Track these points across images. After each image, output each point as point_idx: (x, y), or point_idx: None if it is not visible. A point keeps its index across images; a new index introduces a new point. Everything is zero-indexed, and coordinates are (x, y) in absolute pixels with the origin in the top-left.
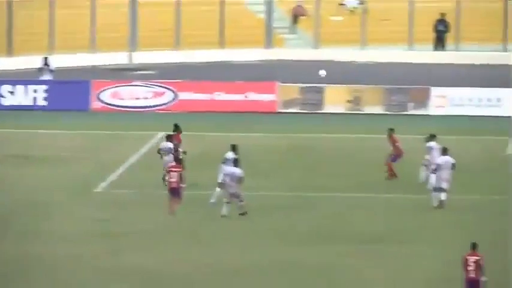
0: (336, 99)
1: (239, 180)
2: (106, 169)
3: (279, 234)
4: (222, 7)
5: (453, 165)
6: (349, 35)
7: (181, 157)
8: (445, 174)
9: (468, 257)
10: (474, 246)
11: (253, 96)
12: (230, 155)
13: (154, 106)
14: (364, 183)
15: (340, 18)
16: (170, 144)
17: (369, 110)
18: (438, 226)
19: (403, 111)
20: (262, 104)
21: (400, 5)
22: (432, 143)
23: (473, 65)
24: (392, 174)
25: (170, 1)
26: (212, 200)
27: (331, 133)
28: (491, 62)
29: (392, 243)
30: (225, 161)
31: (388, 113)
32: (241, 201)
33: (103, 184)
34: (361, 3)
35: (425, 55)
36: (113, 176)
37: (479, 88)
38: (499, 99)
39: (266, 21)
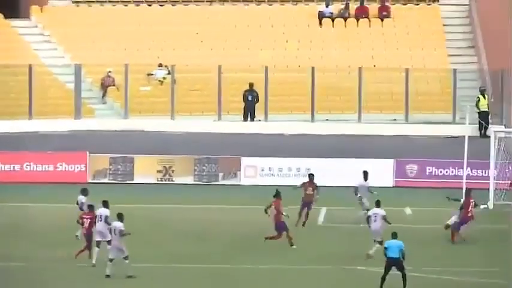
0: (146, 170)
1: (121, 233)
2: None
3: None
4: (30, 77)
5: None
6: (158, 104)
7: None
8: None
9: None
10: None
11: (63, 166)
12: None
13: None
14: (175, 253)
15: (148, 88)
16: None
17: (179, 180)
18: None
19: (214, 181)
20: (73, 175)
21: (209, 75)
22: None
23: (282, 135)
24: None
25: None
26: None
27: (142, 203)
28: (298, 132)
29: None
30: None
31: (199, 183)
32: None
33: None
34: (169, 73)
35: (235, 125)
36: None
37: (288, 158)
38: (308, 169)
39: (75, 92)
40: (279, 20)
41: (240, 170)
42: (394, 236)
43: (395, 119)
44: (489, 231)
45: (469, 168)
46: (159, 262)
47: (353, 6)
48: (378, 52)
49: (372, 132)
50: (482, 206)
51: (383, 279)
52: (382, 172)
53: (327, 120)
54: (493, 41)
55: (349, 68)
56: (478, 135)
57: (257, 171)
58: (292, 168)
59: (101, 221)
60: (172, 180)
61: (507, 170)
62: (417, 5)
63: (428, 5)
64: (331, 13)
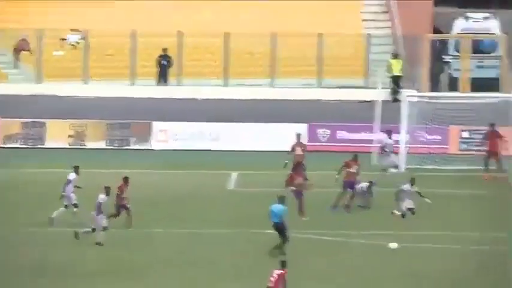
0: (57, 134)
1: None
2: None
3: None
4: None
5: None
6: (71, 69)
7: None
8: None
9: None
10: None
11: None
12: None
13: None
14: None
15: (61, 53)
16: None
17: (91, 144)
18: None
19: (126, 145)
20: None
21: (123, 40)
22: None
23: (195, 100)
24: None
25: None
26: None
27: (53, 168)
28: (211, 97)
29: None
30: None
31: (111, 147)
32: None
33: None
34: (83, 38)
35: (148, 90)
36: None
37: (200, 122)
38: (219, 133)
39: None
40: None
41: (151, 135)
42: (281, 200)
43: (308, 84)
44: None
45: (380, 133)
46: (73, 227)
47: None
48: (291, 17)
49: (285, 96)
50: (393, 170)
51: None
52: (294, 136)
53: (240, 85)
54: (407, 6)
55: (263, 33)
56: (390, 99)
57: (168, 135)
58: (204, 132)
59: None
60: (84, 145)
61: (417, 135)
62: None
63: None
64: None
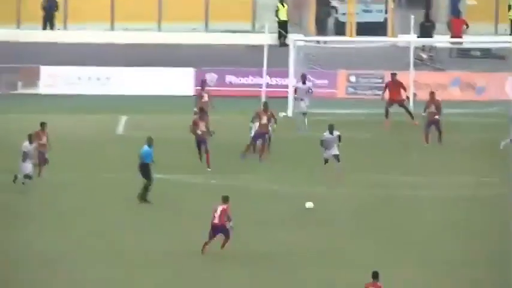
0: None
1: None
2: None
3: None
4: None
5: None
6: None
7: None
8: None
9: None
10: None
11: None
12: None
13: None
14: None
15: None
16: None
17: None
18: None
19: (13, 90)
20: None
21: None
22: None
23: (83, 44)
24: None
25: None
26: None
27: None
28: (98, 41)
29: None
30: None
31: None
32: None
33: None
34: None
35: (35, 34)
36: None
37: (88, 67)
38: (108, 78)
39: None
40: None
41: (39, 79)
42: (149, 141)
43: (195, 28)
44: (286, 140)
45: (268, 77)
46: None
47: None
48: None
49: (172, 41)
50: (281, 114)
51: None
52: (182, 81)
53: (127, 29)
54: None
55: None
56: (278, 44)
57: (57, 80)
58: (92, 77)
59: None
60: None
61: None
62: None
63: None
64: None
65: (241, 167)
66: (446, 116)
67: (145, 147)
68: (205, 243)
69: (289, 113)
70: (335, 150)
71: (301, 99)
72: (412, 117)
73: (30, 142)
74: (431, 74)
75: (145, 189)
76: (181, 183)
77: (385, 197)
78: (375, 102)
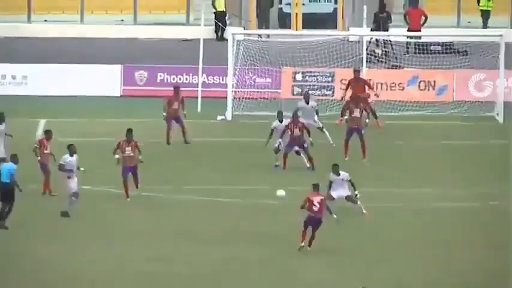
0: None
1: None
2: None
3: None
4: None
5: None
6: None
7: None
8: None
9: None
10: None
11: None
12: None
13: None
14: None
15: None
16: None
17: None
18: None
19: None
20: None
21: None
22: None
23: None
24: None
25: None
26: None
27: None
28: (13, 35)
29: None
30: None
31: None
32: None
33: None
34: None
35: None
36: None
37: (2, 64)
38: (24, 77)
39: None
40: None
41: None
42: (13, 158)
43: (122, 20)
44: (225, 144)
45: (204, 75)
46: None
47: None
48: None
49: (96, 34)
50: (219, 117)
51: None
52: (108, 80)
53: (46, 21)
54: None
55: None
56: (215, 37)
57: None
58: (6, 76)
59: None
60: None
61: (247, 77)
62: None
63: None
64: None
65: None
66: (403, 118)
67: (9, 164)
68: (304, 234)
69: (228, 115)
70: None
71: (314, 121)
72: (376, 117)
73: (72, 154)
74: (386, 72)
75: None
76: (109, 195)
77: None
78: (325, 104)
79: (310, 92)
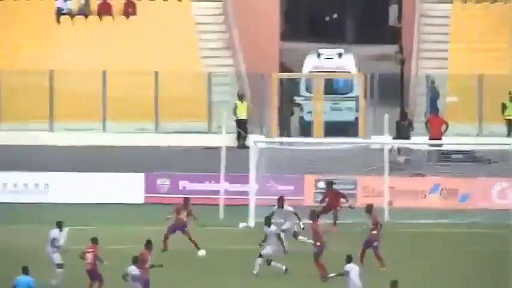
0: None
1: None
2: None
3: None
4: None
5: None
6: None
7: None
8: None
9: None
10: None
11: None
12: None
13: None
14: None
15: None
16: None
17: None
18: None
19: None
20: None
21: None
22: None
23: (17, 147)
24: None
25: None
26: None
27: None
28: (35, 143)
29: None
30: None
31: None
32: None
33: None
34: None
35: None
36: None
37: (24, 172)
38: (47, 184)
39: None
40: (16, 17)
41: None
42: (25, 270)
43: (144, 128)
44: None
45: (227, 183)
46: None
47: (95, 2)
48: (123, 53)
49: (119, 142)
50: (241, 225)
51: None
52: (131, 187)
53: (67, 129)
54: (250, 41)
55: (92, 71)
56: (236, 145)
57: None
58: (28, 184)
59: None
60: None
61: (269, 185)
62: (166, 0)
63: (179, 0)
64: (70, 9)
65: None
66: (424, 226)
67: (26, 277)
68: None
69: (251, 223)
70: None
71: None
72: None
73: (137, 265)
74: (408, 180)
75: None
76: None
77: None
78: (346, 211)
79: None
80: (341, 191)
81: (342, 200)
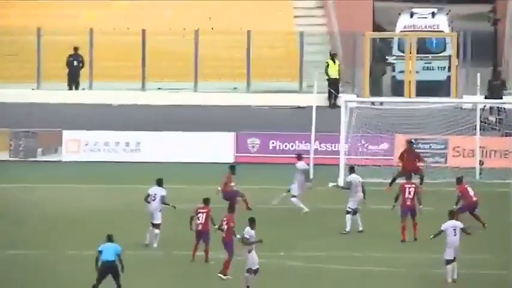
0: None
1: None
2: None
3: None
4: None
5: None
6: None
7: None
8: None
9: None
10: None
11: None
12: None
13: None
14: None
15: None
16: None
17: None
18: None
19: (32, 157)
20: None
21: (27, 38)
22: None
23: (109, 106)
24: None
25: None
26: None
27: None
28: (127, 103)
29: None
30: None
31: (16, 159)
32: None
33: None
34: None
35: (56, 94)
36: None
37: (116, 131)
38: (138, 143)
39: None
40: None
41: (61, 145)
42: (110, 238)
43: (235, 88)
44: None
45: (317, 142)
46: None
47: None
48: (215, 13)
49: (210, 102)
50: (331, 184)
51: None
52: (221, 147)
53: (160, 88)
54: (345, 1)
55: (184, 31)
56: (327, 105)
57: (81, 146)
58: (120, 142)
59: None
60: None
61: (359, 144)
62: None
63: None
64: None
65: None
66: None
67: (114, 245)
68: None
69: (340, 183)
70: None
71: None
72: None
73: (252, 227)
74: (500, 140)
75: None
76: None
77: None
78: (438, 172)
79: None
80: (418, 152)
81: (419, 163)
